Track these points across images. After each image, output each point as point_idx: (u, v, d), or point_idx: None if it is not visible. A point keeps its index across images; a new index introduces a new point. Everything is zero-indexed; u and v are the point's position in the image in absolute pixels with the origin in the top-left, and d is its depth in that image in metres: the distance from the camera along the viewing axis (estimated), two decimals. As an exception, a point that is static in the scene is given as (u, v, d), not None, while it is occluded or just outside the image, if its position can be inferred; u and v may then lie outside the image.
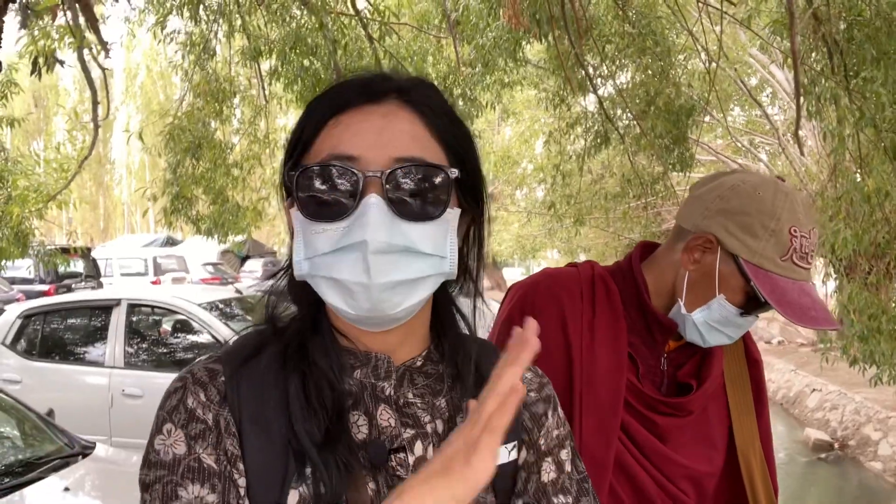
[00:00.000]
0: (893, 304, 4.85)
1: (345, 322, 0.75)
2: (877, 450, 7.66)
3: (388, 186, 0.67)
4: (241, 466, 0.69)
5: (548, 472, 0.81)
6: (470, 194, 0.76)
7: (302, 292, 0.76)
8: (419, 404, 0.76)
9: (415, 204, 0.68)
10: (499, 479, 0.77)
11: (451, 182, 0.71)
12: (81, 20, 3.66)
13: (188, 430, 0.69)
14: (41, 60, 3.62)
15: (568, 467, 0.83)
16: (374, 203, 0.66)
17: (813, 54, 4.94)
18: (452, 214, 0.72)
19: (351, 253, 0.67)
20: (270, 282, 0.82)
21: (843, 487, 7.53)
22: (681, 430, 1.22)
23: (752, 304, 1.13)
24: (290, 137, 0.75)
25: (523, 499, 0.79)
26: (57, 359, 5.43)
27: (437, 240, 0.70)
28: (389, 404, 0.74)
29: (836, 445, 8.14)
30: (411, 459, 0.73)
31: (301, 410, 0.70)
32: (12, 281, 12.45)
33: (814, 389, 9.76)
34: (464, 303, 0.85)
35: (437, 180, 0.70)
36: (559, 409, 0.86)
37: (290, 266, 0.78)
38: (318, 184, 0.69)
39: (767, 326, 16.20)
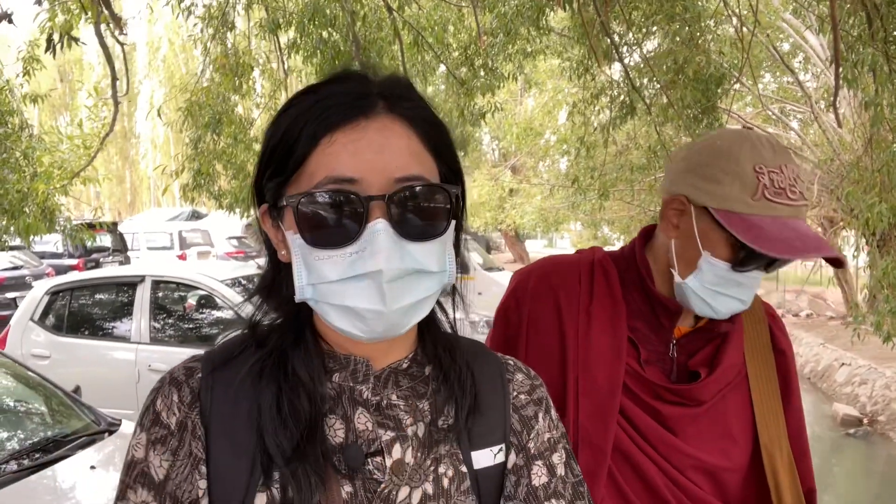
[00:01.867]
0: (930, 280, 4.68)
1: (329, 329, 0.75)
2: (907, 426, 7.53)
3: (392, 209, 0.67)
4: (204, 469, 0.71)
5: (539, 476, 0.80)
6: (456, 202, 0.76)
7: (286, 301, 0.76)
8: (402, 406, 0.76)
9: (418, 224, 0.69)
10: (484, 482, 0.77)
11: (452, 200, 0.72)
12: (96, -5, 3.62)
13: (150, 434, 0.73)
14: (55, 37, 3.59)
15: (561, 471, 0.82)
16: (381, 229, 0.66)
17: (851, 19, 4.73)
18: (451, 228, 0.74)
19: (363, 281, 0.67)
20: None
21: (872, 464, 7.42)
22: (692, 420, 1.17)
23: (741, 255, 1.07)
24: (272, 144, 0.72)
25: (513, 503, 0.79)
26: (85, 334, 5.51)
27: (440, 256, 0.72)
28: (367, 408, 0.74)
29: (865, 421, 8.01)
30: (388, 462, 0.73)
31: (272, 423, 0.70)
32: (42, 255, 12.67)
33: (843, 364, 9.59)
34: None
35: (439, 199, 0.70)
36: (552, 411, 0.85)
37: (269, 279, 0.78)
38: (319, 210, 0.67)
39: (796, 299, 15.96)
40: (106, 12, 3.85)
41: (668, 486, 1.14)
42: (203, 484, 0.72)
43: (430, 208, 0.69)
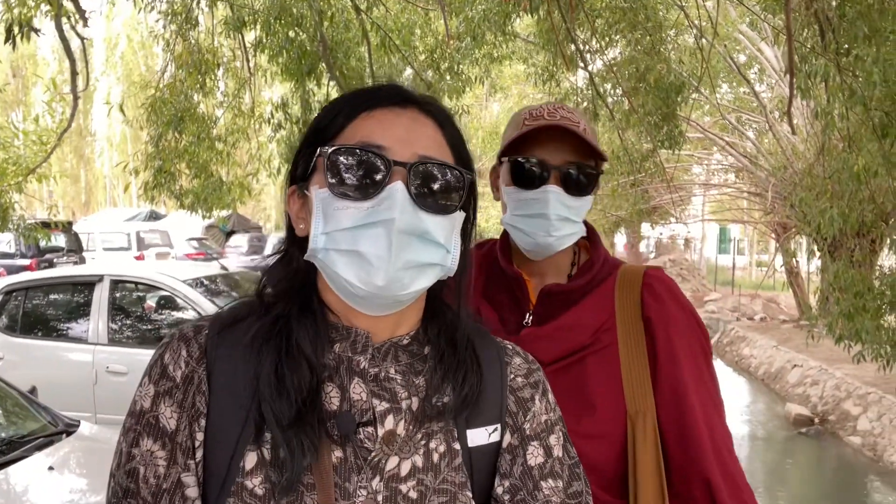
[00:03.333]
0: (878, 283, 4.89)
1: (336, 298, 0.78)
2: (856, 425, 7.81)
3: (411, 177, 0.74)
4: (203, 422, 0.75)
5: (534, 456, 0.83)
6: (470, 197, 0.83)
7: (294, 273, 0.81)
8: (399, 380, 0.79)
9: (433, 197, 0.75)
10: (477, 460, 0.80)
11: (466, 184, 0.79)
12: (58, -13, 3.54)
13: (158, 386, 0.76)
14: (16, 29, 3.50)
15: (558, 452, 0.84)
16: (399, 189, 0.73)
17: (804, 31, 4.91)
18: (460, 215, 0.80)
19: (375, 228, 0.72)
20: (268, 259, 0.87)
21: (823, 461, 7.68)
22: None
23: (514, 172, 1.19)
24: (315, 125, 0.81)
25: (509, 480, 0.81)
26: (39, 335, 5.35)
27: (447, 233, 0.77)
28: (363, 378, 0.77)
29: (817, 420, 8.28)
30: (380, 432, 0.75)
31: (270, 391, 0.73)
32: (-8, 255, 12.26)
33: (795, 365, 9.91)
34: None
35: (455, 180, 0.77)
36: (549, 394, 0.88)
37: (285, 248, 0.84)
38: (348, 164, 0.74)
39: (750, 303, 16.42)
40: (68, 4, 3.76)
41: None
42: (200, 437, 0.75)
43: (445, 186, 0.76)
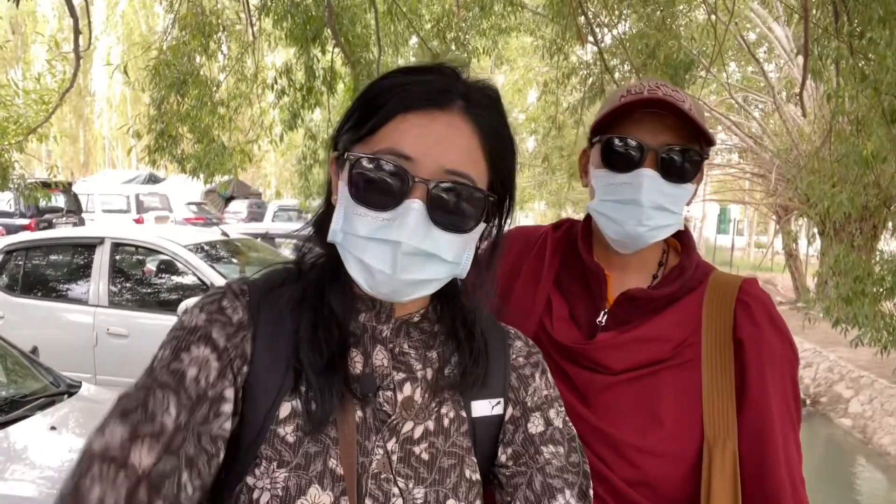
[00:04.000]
0: (878, 268, 4.90)
1: None
2: (847, 407, 7.90)
3: (432, 194, 0.75)
4: (245, 370, 0.78)
5: (535, 426, 0.88)
6: (498, 208, 0.85)
7: (326, 243, 0.83)
8: (413, 355, 0.85)
9: (450, 216, 0.76)
10: (480, 429, 0.86)
11: (487, 205, 0.79)
12: (62, -57, 3.45)
13: (212, 315, 0.79)
14: (20, -16, 3.44)
15: (558, 423, 0.89)
16: (415, 208, 0.73)
17: (818, 12, 4.84)
18: (478, 229, 0.81)
19: (383, 245, 0.74)
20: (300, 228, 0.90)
21: (813, 442, 7.78)
22: (603, 389, 1.09)
23: (607, 153, 1.09)
24: (360, 103, 0.80)
25: (512, 447, 0.87)
26: (40, 295, 5.35)
27: (459, 250, 0.79)
28: (385, 346, 0.83)
29: (808, 402, 8.37)
30: (399, 397, 0.81)
31: (308, 343, 0.78)
32: (-9, 214, 12.22)
33: (790, 347, 9.98)
34: None
35: (475, 202, 0.77)
36: (548, 374, 0.94)
37: (321, 217, 0.86)
38: (370, 174, 0.75)
39: (748, 284, 16.46)
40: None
41: None
42: (240, 381, 0.78)
43: (464, 206, 0.76)
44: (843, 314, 4.54)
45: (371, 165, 0.75)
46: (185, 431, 0.71)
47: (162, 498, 0.67)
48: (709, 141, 1.08)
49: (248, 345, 0.79)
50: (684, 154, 1.05)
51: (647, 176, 1.04)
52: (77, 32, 4.51)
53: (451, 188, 0.75)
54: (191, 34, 6.30)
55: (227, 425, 0.75)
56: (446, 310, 0.88)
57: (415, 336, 0.86)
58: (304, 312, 0.81)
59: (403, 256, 0.74)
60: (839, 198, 4.38)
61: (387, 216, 0.74)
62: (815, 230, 9.26)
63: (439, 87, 0.78)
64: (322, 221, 0.85)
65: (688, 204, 1.14)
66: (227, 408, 0.75)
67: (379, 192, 0.75)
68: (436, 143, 0.75)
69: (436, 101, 0.77)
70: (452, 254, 0.77)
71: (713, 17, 5.76)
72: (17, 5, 3.55)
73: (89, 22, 5.23)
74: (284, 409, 0.77)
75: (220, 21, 6.79)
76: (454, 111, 0.77)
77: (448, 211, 0.75)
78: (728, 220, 26.34)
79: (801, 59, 4.81)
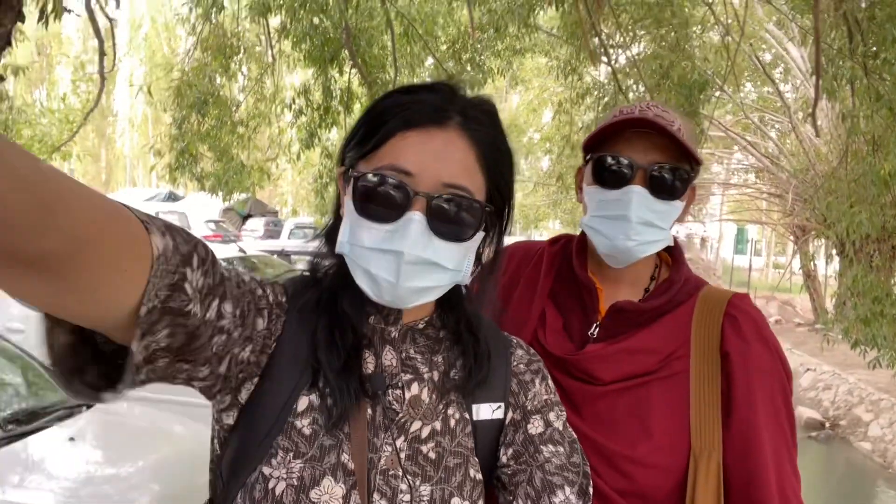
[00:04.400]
0: (896, 288, 4.84)
1: None
2: (867, 430, 7.76)
3: (431, 207, 0.79)
4: (271, 348, 0.82)
5: (535, 427, 0.91)
6: (498, 217, 0.89)
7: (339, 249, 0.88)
8: (419, 359, 0.88)
9: (449, 226, 0.80)
10: (481, 432, 0.89)
11: (484, 215, 0.83)
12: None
13: (256, 281, 0.84)
14: (49, 7, 3.56)
15: (557, 425, 0.92)
16: (416, 220, 0.78)
17: (833, 32, 4.86)
18: (477, 237, 0.84)
19: (387, 255, 0.79)
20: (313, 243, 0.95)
21: (832, 466, 7.65)
22: (594, 399, 1.11)
23: (597, 169, 1.13)
24: (363, 122, 0.85)
25: (512, 448, 0.90)
26: (60, 310, 5.43)
27: (459, 258, 0.83)
28: (394, 347, 0.87)
29: (828, 425, 8.24)
30: (407, 396, 0.85)
31: (325, 344, 0.82)
32: (14, 230, 12.40)
33: (808, 369, 9.85)
34: None
35: (473, 212, 0.81)
36: (548, 380, 0.97)
37: (331, 228, 0.90)
38: (372, 189, 0.79)
39: (766, 305, 16.29)
40: (99, -15, 3.81)
41: None
42: (264, 359, 0.81)
43: (463, 216, 0.81)
44: (862, 335, 4.49)
45: (374, 181, 0.79)
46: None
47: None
48: (697, 161, 1.12)
49: (277, 325, 0.83)
50: (673, 172, 1.09)
51: (636, 192, 1.08)
52: (102, 54, 4.64)
53: (450, 200, 0.79)
54: (212, 55, 6.44)
55: (259, 323, 0.80)
56: (450, 316, 0.92)
57: (420, 342, 0.90)
58: (320, 316, 0.85)
59: (406, 265, 0.78)
60: (858, 218, 4.35)
61: (389, 228, 0.78)
62: (834, 250, 9.18)
63: (437, 105, 0.82)
64: (332, 233, 0.89)
65: (680, 221, 1.17)
66: (261, 323, 0.80)
67: (382, 206, 0.79)
68: (434, 158, 0.80)
69: (433, 118, 0.81)
70: (453, 262, 0.81)
71: (727, 38, 5.80)
72: (47, 27, 3.67)
73: (114, 44, 5.36)
74: (302, 403, 0.81)
75: (240, 43, 6.95)
76: (451, 127, 0.82)
77: (447, 221, 0.79)
78: (745, 241, 26.11)
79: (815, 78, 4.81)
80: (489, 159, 0.84)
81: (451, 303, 0.91)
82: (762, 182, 14.87)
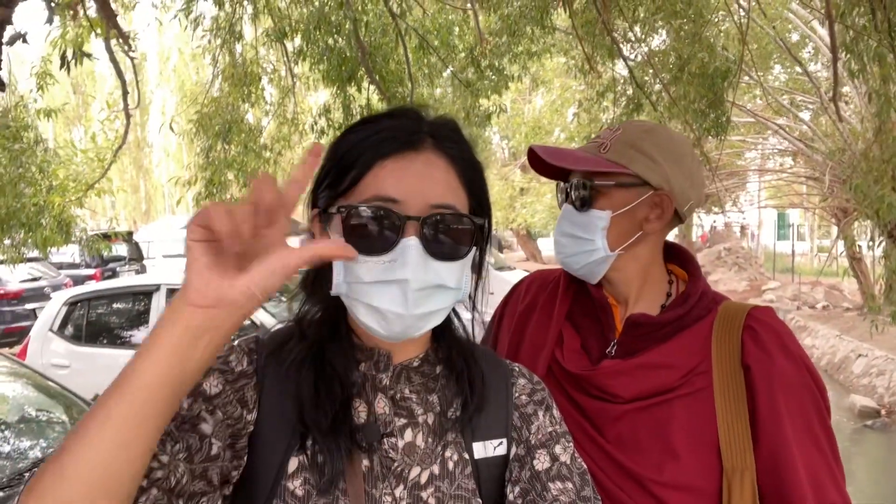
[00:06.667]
0: (943, 269, 4.65)
1: (359, 326, 0.85)
2: (926, 416, 7.47)
3: (424, 229, 0.78)
4: (252, 417, 0.80)
5: (542, 462, 0.87)
6: (480, 231, 0.87)
7: (324, 298, 0.86)
8: (414, 399, 0.86)
9: (445, 245, 0.80)
10: (483, 470, 0.86)
11: (476, 229, 0.83)
12: (101, 12, 3.69)
13: (214, 365, 0.81)
14: (69, 53, 3.68)
15: (565, 459, 0.88)
16: (413, 245, 0.77)
17: (854, 10, 4.71)
18: (472, 253, 0.84)
19: (391, 286, 0.77)
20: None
21: (891, 454, 7.37)
22: (615, 419, 1.09)
23: (560, 194, 1.23)
24: (331, 162, 0.84)
25: (519, 485, 0.86)
26: (103, 343, 5.61)
27: (459, 276, 0.82)
28: (385, 394, 0.85)
29: (883, 412, 7.95)
30: (401, 444, 0.83)
31: (311, 403, 0.80)
32: (59, 266, 12.85)
33: (859, 355, 9.52)
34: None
35: (465, 227, 0.82)
36: (554, 409, 0.93)
37: (313, 276, 0.88)
38: (362, 222, 0.78)
39: (812, 291, 15.83)
40: (114, 30, 3.93)
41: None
42: (250, 428, 0.80)
43: (456, 234, 0.81)
44: (909, 319, 4.33)
45: (363, 213, 0.78)
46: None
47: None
48: (623, 172, 1.14)
49: (250, 392, 0.81)
50: (582, 185, 1.15)
51: (564, 209, 1.19)
52: (125, 92, 4.78)
53: (441, 220, 0.79)
54: (233, 84, 6.57)
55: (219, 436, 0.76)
56: (443, 346, 0.91)
57: (415, 380, 0.88)
58: (305, 372, 0.83)
59: (414, 292, 0.77)
60: (889, 199, 4.20)
61: (387, 258, 0.77)
62: (877, 232, 8.87)
63: (408, 129, 0.82)
64: (313, 280, 0.88)
65: (622, 242, 1.16)
66: (206, 428, 0.75)
67: (375, 238, 0.77)
68: (417, 181, 0.79)
69: (407, 143, 0.81)
70: (454, 280, 0.81)
71: (743, 21, 5.67)
72: (69, 73, 3.80)
73: (137, 80, 5.52)
74: (293, 464, 0.80)
75: (260, 69, 7.07)
76: (426, 149, 0.82)
77: (441, 242, 0.79)
78: (787, 226, 25.45)
79: (842, 56, 4.67)
80: (467, 175, 0.85)
81: (442, 329, 0.90)
82: (799, 165, 14.48)
